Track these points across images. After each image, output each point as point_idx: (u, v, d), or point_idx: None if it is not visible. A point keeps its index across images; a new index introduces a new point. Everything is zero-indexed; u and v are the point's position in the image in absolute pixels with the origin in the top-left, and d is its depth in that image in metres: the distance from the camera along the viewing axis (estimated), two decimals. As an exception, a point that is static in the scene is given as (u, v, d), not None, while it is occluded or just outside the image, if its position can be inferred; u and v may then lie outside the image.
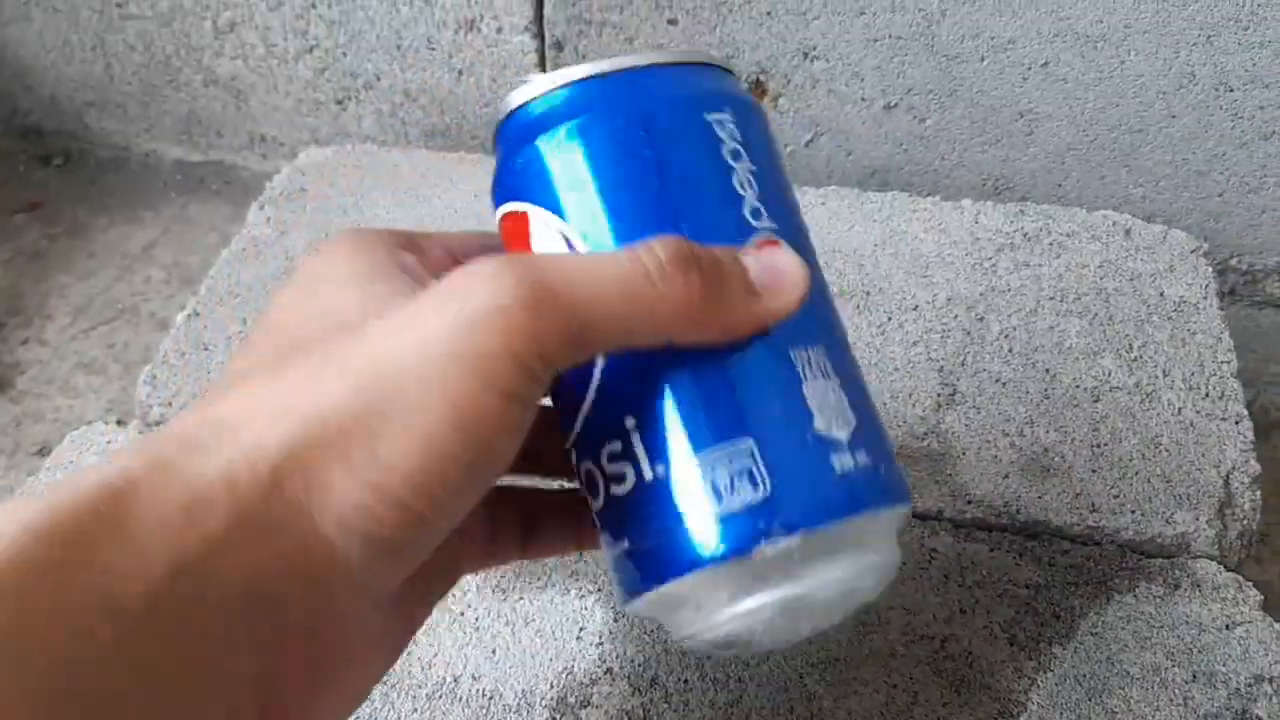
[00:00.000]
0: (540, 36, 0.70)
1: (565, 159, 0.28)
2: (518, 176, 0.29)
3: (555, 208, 0.28)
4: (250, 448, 0.22)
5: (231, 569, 0.21)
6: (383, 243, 0.29)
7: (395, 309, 0.25)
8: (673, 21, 0.67)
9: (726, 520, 0.26)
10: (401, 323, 0.24)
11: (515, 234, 0.29)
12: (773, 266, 0.27)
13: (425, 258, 0.30)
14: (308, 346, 0.25)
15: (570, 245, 0.28)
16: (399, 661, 0.40)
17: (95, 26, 0.77)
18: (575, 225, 0.28)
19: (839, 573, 0.27)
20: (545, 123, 0.29)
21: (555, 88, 0.29)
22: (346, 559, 0.23)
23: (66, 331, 0.71)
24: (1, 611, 0.19)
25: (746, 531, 0.25)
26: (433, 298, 0.24)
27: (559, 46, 0.69)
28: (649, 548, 0.27)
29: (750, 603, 0.26)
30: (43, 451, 0.63)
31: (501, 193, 0.30)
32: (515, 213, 0.29)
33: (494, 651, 0.41)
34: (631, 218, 0.28)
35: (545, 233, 0.28)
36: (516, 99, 0.29)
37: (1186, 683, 0.41)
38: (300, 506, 0.22)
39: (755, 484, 0.26)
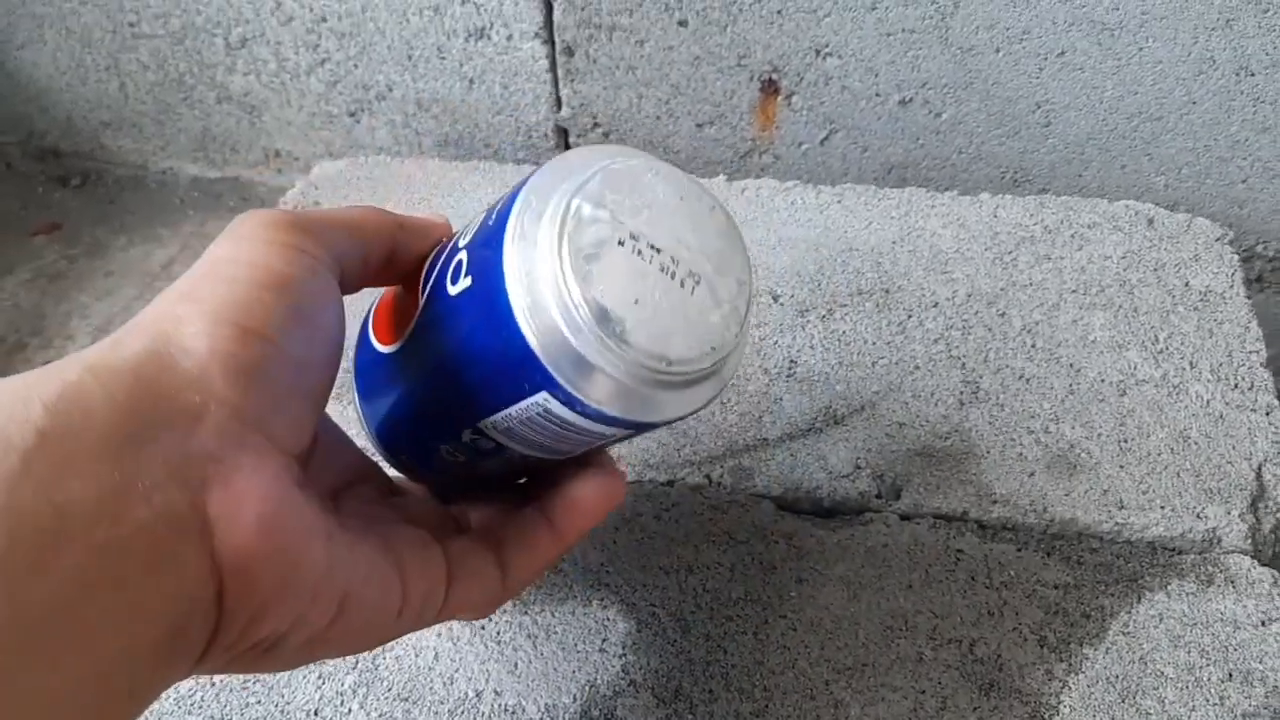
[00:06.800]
0: (550, 42, 0.69)
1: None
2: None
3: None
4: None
5: (104, 403, 0.23)
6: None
7: None
8: (683, 23, 0.66)
9: None
10: None
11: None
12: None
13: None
14: None
15: None
16: (420, 678, 0.40)
17: (108, 46, 0.78)
18: None
19: None
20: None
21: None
22: (209, 381, 0.24)
23: (88, 351, 0.71)
24: None
25: None
26: None
27: (569, 52, 0.69)
28: None
29: None
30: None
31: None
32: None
33: (516, 665, 0.41)
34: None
35: None
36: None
37: (1222, 681, 0.40)
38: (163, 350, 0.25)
39: None
